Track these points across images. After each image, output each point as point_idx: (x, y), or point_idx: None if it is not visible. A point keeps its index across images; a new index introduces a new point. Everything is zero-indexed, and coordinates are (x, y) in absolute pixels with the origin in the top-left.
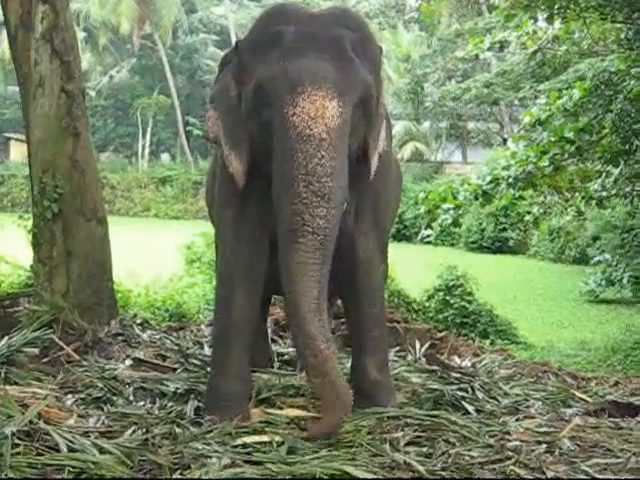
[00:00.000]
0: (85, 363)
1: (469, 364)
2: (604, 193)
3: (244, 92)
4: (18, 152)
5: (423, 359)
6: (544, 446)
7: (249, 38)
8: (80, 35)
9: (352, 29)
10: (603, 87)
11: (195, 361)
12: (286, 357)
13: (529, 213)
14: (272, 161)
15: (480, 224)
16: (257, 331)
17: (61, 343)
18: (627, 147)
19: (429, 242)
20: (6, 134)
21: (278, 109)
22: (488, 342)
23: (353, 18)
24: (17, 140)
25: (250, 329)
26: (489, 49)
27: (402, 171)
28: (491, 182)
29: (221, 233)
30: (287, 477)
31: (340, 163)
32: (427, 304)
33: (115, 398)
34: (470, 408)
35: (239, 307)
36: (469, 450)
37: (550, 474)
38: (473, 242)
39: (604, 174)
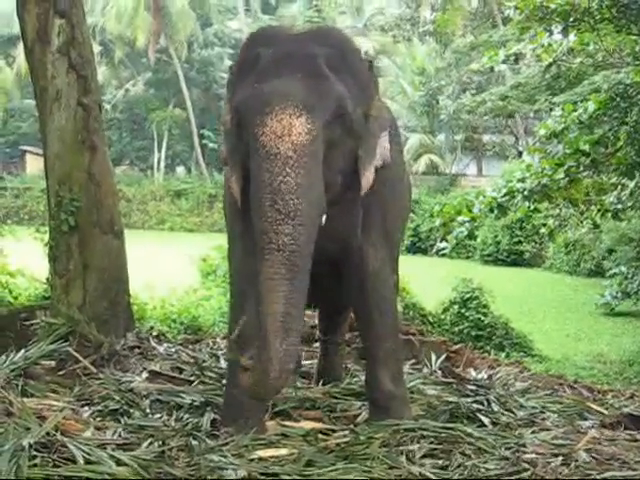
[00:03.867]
0: (101, 375)
1: (485, 377)
2: (619, 205)
3: (232, 115)
4: (34, 165)
5: (439, 372)
6: (560, 458)
7: (236, 61)
8: (96, 49)
9: (330, 46)
10: (618, 99)
11: (211, 374)
12: (302, 370)
13: (544, 226)
14: None
15: (495, 237)
16: None
17: (77, 356)
18: None
19: (444, 255)
20: (22, 147)
21: (251, 130)
22: (504, 355)
23: (332, 35)
24: (33, 153)
25: None
26: (504, 62)
27: (412, 182)
28: (506, 195)
29: (231, 246)
30: None
31: (308, 180)
32: (442, 317)
33: (132, 410)
34: (486, 420)
35: (253, 317)
36: (485, 462)
37: None
38: (488, 255)
39: (619, 186)
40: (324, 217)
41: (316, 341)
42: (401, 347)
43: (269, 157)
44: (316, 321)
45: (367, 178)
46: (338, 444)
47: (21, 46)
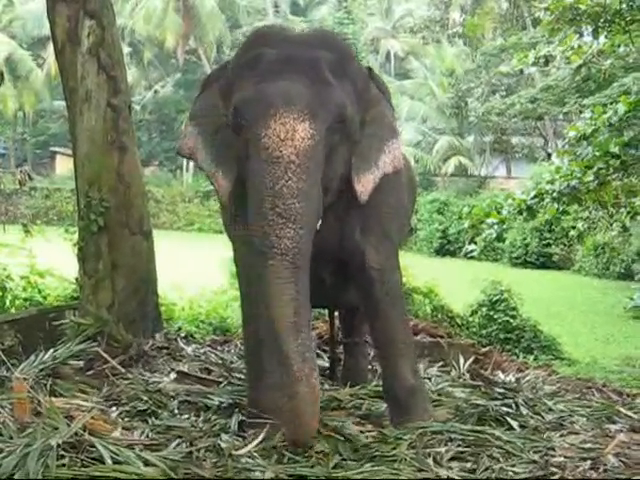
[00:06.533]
0: (130, 376)
1: (513, 380)
2: None
3: (229, 112)
4: (64, 166)
5: (467, 374)
6: (589, 462)
7: (235, 60)
8: (125, 50)
9: (331, 50)
10: None
11: (239, 375)
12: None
13: (574, 228)
14: None
15: (524, 239)
16: None
17: (106, 356)
18: None
19: (473, 257)
20: (52, 148)
21: (252, 130)
22: (532, 358)
23: (333, 40)
24: (63, 154)
25: None
26: (533, 64)
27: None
28: (535, 197)
29: (237, 250)
30: None
31: (309, 185)
32: (471, 319)
33: (159, 411)
34: (514, 424)
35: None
36: (513, 466)
37: None
38: (517, 257)
39: None
40: (320, 221)
41: (340, 343)
42: (413, 340)
43: (271, 160)
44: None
45: (364, 185)
46: (365, 445)
47: (51, 47)
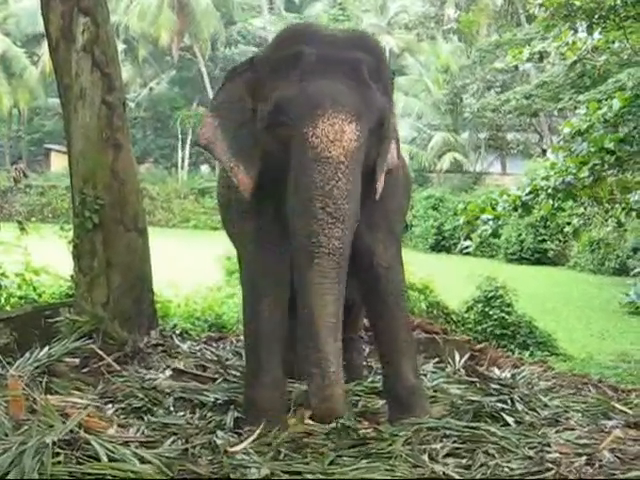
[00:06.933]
0: (125, 373)
1: (508, 376)
2: None
3: (260, 108)
4: (59, 163)
5: (462, 370)
6: (584, 458)
7: (269, 56)
8: (120, 47)
9: (369, 53)
10: None
11: (234, 372)
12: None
13: (569, 224)
14: (287, 177)
15: (519, 235)
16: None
17: (101, 353)
18: None
19: (468, 253)
20: (47, 145)
21: (297, 129)
22: (527, 354)
23: (370, 42)
24: (58, 151)
25: (281, 337)
26: (528, 60)
27: (409, 173)
28: (530, 193)
29: (243, 245)
30: None
31: (354, 186)
32: (466, 315)
33: (155, 408)
34: (509, 420)
35: (267, 316)
36: (508, 462)
37: None
38: (512, 253)
39: None
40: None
41: None
42: (414, 338)
43: (320, 160)
44: None
45: (381, 182)
46: (362, 442)
47: (45, 44)
